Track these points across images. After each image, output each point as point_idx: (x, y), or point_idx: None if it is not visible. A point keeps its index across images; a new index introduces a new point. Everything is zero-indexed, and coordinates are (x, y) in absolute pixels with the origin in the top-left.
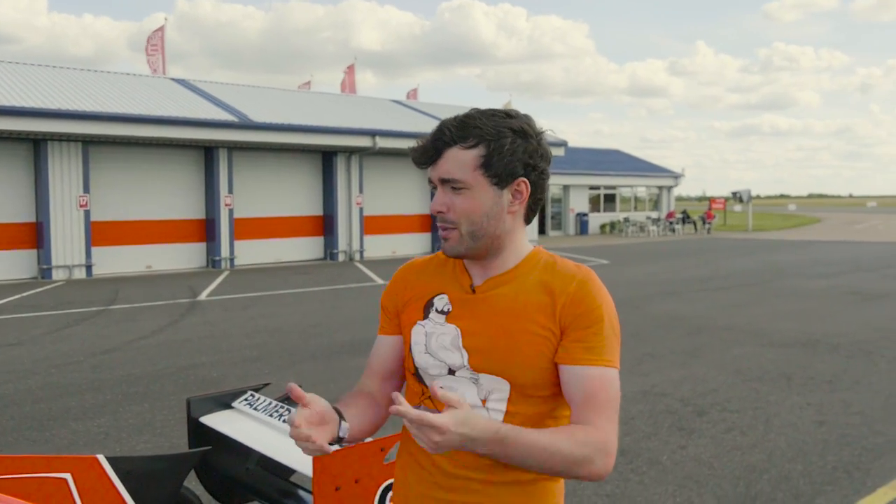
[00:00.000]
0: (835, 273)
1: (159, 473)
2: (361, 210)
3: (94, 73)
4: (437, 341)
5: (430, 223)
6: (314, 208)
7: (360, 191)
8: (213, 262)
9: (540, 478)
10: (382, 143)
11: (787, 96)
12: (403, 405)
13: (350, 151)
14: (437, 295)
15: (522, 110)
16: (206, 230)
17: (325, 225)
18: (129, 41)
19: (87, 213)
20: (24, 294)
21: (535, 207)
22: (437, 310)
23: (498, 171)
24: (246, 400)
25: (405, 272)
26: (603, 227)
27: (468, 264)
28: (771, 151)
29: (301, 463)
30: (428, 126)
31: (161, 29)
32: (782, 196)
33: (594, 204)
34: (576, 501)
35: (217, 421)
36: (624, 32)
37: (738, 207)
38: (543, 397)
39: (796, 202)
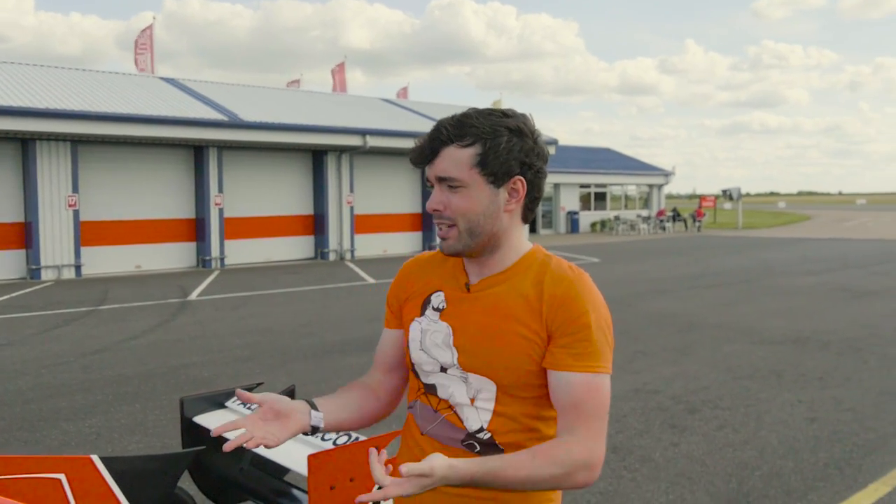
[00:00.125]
0: (824, 270)
1: (153, 473)
2: (352, 209)
3: (83, 72)
4: (430, 339)
5: (420, 222)
6: (305, 207)
7: (351, 190)
8: (203, 261)
9: None
10: (373, 141)
11: (777, 94)
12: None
13: (340, 150)
14: (435, 292)
15: (508, 108)
16: (196, 230)
17: (315, 224)
18: (117, 40)
19: (76, 213)
20: (13, 294)
21: (533, 206)
22: (433, 307)
23: (494, 170)
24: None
25: (409, 267)
26: (594, 225)
27: (467, 262)
28: (761, 149)
29: (295, 462)
30: (418, 125)
31: (150, 28)
32: (772, 194)
33: (585, 202)
34: (568, 499)
35: (211, 421)
36: (614, 31)
37: (728, 205)
38: (531, 398)
39: (786, 200)
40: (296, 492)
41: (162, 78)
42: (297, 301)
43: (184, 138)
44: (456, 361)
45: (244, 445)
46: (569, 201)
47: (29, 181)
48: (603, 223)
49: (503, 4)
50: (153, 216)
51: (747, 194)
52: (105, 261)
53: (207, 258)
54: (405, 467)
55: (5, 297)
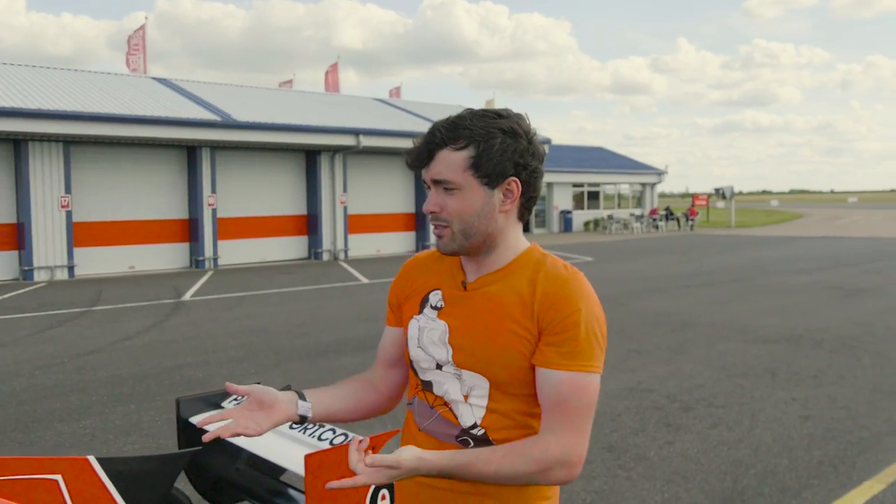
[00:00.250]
0: (817, 269)
1: (150, 474)
2: (345, 209)
3: (75, 72)
4: (427, 336)
5: (414, 222)
6: (298, 207)
7: (344, 190)
8: (196, 262)
9: None
10: (366, 141)
11: (769, 92)
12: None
13: (334, 150)
14: (433, 290)
15: (504, 108)
16: (189, 230)
17: (309, 224)
18: (109, 40)
19: (68, 214)
20: (6, 296)
21: (530, 205)
22: (431, 305)
23: (488, 172)
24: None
25: (410, 267)
26: (587, 224)
27: (465, 261)
28: (753, 148)
29: (292, 461)
30: (412, 124)
31: (142, 28)
32: (764, 192)
33: (578, 201)
34: (564, 498)
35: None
36: (606, 30)
37: (720, 204)
38: (523, 395)
39: (778, 198)
40: (292, 492)
41: (154, 78)
42: (292, 301)
43: (177, 139)
44: (451, 358)
45: (222, 436)
46: (562, 200)
47: (21, 182)
48: (596, 222)
49: (495, 4)
50: (146, 217)
51: (740, 193)
52: (98, 261)
53: (201, 258)
54: (370, 458)
55: None
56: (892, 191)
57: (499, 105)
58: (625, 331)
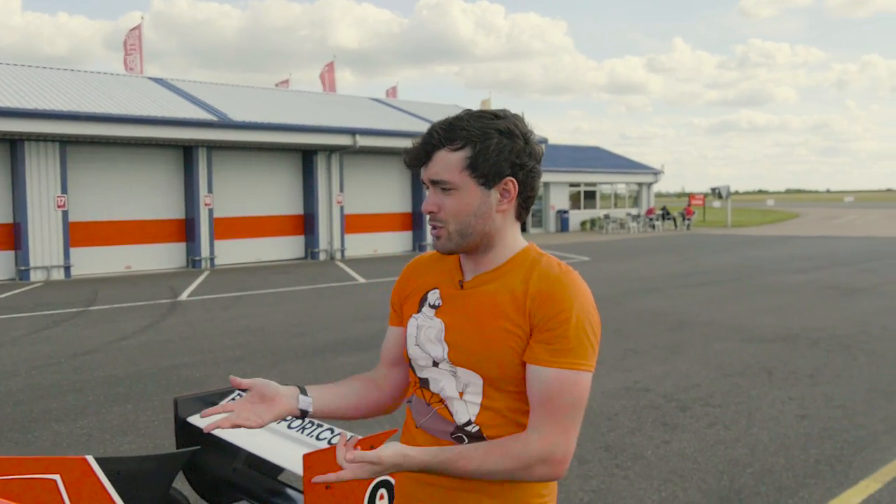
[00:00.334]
0: (813, 268)
1: (148, 474)
2: (342, 209)
3: (71, 72)
4: (424, 334)
5: (411, 221)
6: (294, 207)
7: (341, 189)
8: (193, 262)
9: None
10: (363, 141)
11: (764, 92)
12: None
13: (330, 150)
14: (432, 290)
15: (501, 108)
16: (185, 230)
17: (305, 224)
18: (105, 40)
19: (65, 214)
20: (2, 296)
21: (527, 205)
22: (429, 304)
23: (484, 172)
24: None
25: (411, 267)
26: (583, 223)
27: (463, 260)
28: (749, 147)
29: (290, 461)
30: (408, 124)
31: (138, 28)
32: (761, 192)
33: (574, 201)
34: (561, 497)
35: (205, 421)
36: (602, 30)
37: (717, 203)
38: (517, 392)
39: (775, 198)
40: (291, 491)
41: (151, 78)
42: (288, 301)
43: (173, 138)
44: (446, 356)
45: (222, 427)
46: (558, 200)
47: (18, 182)
48: (593, 222)
49: (491, 3)
50: (143, 217)
51: (736, 192)
52: (94, 261)
53: (197, 258)
54: (351, 454)
55: None
56: (888, 190)
57: (495, 105)
58: (621, 330)
